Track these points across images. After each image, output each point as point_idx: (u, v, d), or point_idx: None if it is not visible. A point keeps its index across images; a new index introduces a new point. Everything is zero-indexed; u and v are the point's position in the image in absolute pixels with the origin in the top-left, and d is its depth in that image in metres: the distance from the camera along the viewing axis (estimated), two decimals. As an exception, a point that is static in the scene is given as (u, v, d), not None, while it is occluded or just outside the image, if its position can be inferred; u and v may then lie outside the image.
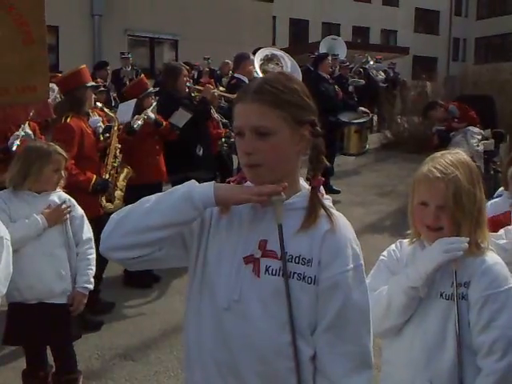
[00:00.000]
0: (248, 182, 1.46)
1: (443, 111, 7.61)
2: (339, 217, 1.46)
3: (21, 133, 4.00)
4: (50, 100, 4.67)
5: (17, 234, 2.77)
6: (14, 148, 3.92)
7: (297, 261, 1.39)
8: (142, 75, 6.58)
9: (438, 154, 1.82)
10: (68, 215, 3.04)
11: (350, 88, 11.24)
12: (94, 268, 3.09)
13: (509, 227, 2.23)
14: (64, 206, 3.03)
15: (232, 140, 6.11)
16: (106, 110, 5.05)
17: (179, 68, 5.66)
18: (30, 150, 3.09)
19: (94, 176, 4.27)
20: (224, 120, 6.39)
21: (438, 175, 1.72)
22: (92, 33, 15.69)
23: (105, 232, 1.44)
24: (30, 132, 4.13)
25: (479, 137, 7.29)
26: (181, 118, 5.21)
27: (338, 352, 1.38)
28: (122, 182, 4.73)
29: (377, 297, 1.76)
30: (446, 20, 33.22)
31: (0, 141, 4.17)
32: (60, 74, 5.76)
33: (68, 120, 4.21)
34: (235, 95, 1.76)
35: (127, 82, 10.08)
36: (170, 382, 3.56)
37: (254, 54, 6.60)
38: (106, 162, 4.58)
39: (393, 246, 1.90)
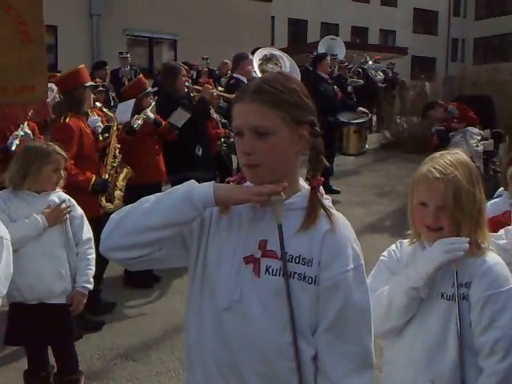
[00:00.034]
0: (247, 182, 1.46)
1: (442, 111, 7.61)
2: (339, 217, 1.46)
3: (20, 132, 4.00)
4: (48, 100, 4.68)
5: (17, 233, 2.77)
6: (14, 148, 3.92)
7: (297, 261, 1.39)
8: (141, 75, 6.58)
9: (438, 154, 1.81)
10: (68, 215, 3.04)
11: (349, 88, 11.24)
12: (93, 268, 3.09)
13: (509, 227, 2.23)
14: (64, 205, 3.03)
15: (231, 140, 6.12)
16: (105, 109, 5.04)
17: (178, 68, 5.65)
18: (29, 149, 3.09)
19: (94, 176, 4.26)
20: (223, 120, 6.39)
21: (438, 175, 1.71)
22: (91, 32, 15.68)
23: (104, 232, 1.43)
24: (29, 132, 4.13)
25: (478, 137, 7.29)
26: (180, 117, 5.21)
27: (339, 352, 1.38)
28: (121, 182, 4.73)
29: (377, 297, 1.75)
30: (445, 20, 33.22)
31: (-1, 140, 4.17)
32: (59, 74, 5.76)
33: (67, 120, 4.21)
34: (234, 95, 1.76)
35: (126, 82, 10.07)
36: (171, 382, 3.56)
37: (253, 53, 6.60)
38: (105, 161, 4.58)
39: (393, 247, 1.90)
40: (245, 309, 1.39)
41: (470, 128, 7.31)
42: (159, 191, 1.51)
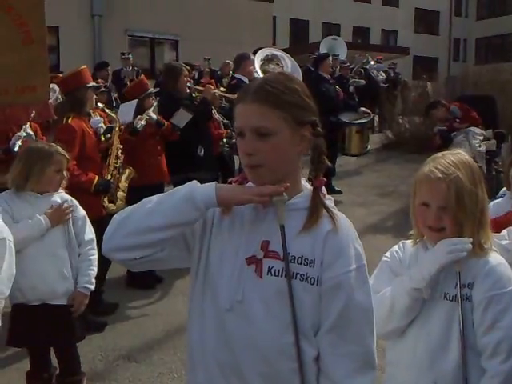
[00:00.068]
0: (249, 183, 1.46)
1: (445, 111, 7.60)
2: (341, 217, 1.45)
3: (22, 133, 4.00)
4: (51, 100, 4.69)
5: (20, 234, 2.77)
6: (16, 149, 3.92)
7: (299, 261, 1.39)
8: (142, 75, 6.58)
9: (440, 154, 1.81)
10: (70, 215, 3.04)
11: (351, 88, 11.23)
12: (95, 269, 3.09)
13: (511, 228, 2.22)
14: (66, 205, 3.03)
15: (233, 140, 6.10)
16: (107, 110, 5.04)
17: (179, 68, 5.65)
18: (31, 150, 3.09)
19: (96, 177, 4.27)
20: (225, 120, 6.38)
21: (440, 176, 1.71)
22: (92, 33, 15.68)
23: (107, 233, 1.44)
24: (32, 133, 4.13)
25: (481, 137, 7.28)
26: (182, 118, 5.21)
27: (341, 353, 1.38)
28: (123, 183, 4.73)
29: (380, 298, 1.75)
30: (446, 20, 33.19)
31: (2, 141, 4.17)
32: (61, 75, 5.76)
33: (69, 120, 4.21)
34: (236, 96, 1.75)
35: (128, 83, 10.07)
36: (173, 383, 3.56)
37: (255, 54, 6.59)
38: (107, 162, 4.58)
39: (395, 247, 1.90)
40: (247, 309, 1.39)
41: (472, 128, 7.30)
42: (161, 192, 1.51)
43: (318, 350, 1.40)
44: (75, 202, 3.11)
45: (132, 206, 1.46)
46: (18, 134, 4.01)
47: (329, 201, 1.48)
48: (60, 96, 5.78)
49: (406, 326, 1.78)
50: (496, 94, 9.44)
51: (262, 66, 6.30)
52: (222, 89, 7.15)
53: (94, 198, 4.26)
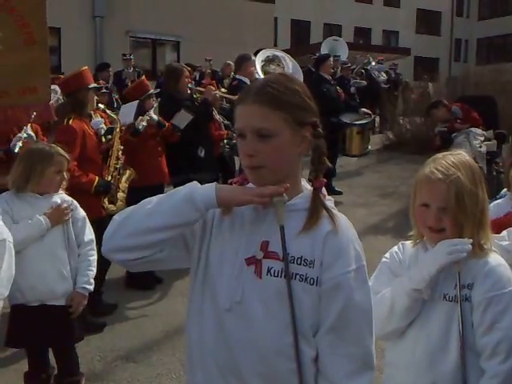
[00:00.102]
0: (250, 184, 1.46)
1: (445, 111, 7.60)
2: (341, 218, 1.45)
3: (23, 134, 4.00)
4: (52, 101, 4.69)
5: (20, 234, 2.77)
6: (17, 150, 3.92)
7: (299, 262, 1.39)
8: (143, 76, 6.58)
9: (440, 155, 1.81)
10: (70, 215, 3.04)
11: (352, 89, 11.24)
12: (94, 269, 3.09)
13: (511, 229, 2.22)
14: (65, 205, 3.03)
15: (234, 141, 6.10)
16: (108, 111, 5.05)
17: (181, 69, 5.65)
18: (32, 151, 3.09)
19: (97, 177, 4.27)
20: (226, 121, 6.38)
21: (440, 176, 1.71)
22: (94, 34, 15.71)
23: (107, 233, 1.44)
24: (33, 134, 4.13)
25: (482, 138, 7.28)
26: (182, 119, 5.21)
27: (340, 353, 1.38)
28: (124, 184, 4.73)
29: (379, 299, 1.75)
30: (448, 21, 33.19)
31: (2, 142, 4.17)
32: (62, 76, 5.77)
33: (70, 122, 4.22)
34: (237, 97, 1.76)
35: (129, 84, 10.08)
36: (172, 383, 3.56)
37: (256, 55, 6.59)
38: (108, 163, 4.58)
39: (395, 248, 1.89)
40: (246, 310, 1.39)
41: (473, 129, 7.30)
42: (161, 193, 1.51)
43: (317, 350, 1.40)
44: (75, 203, 3.12)
45: (132, 207, 1.46)
46: (19, 135, 4.02)
47: (329, 201, 1.48)
48: (61, 97, 5.79)
49: (405, 327, 1.78)
50: (497, 95, 9.45)
51: (262, 66, 6.31)
52: (222, 90, 7.16)
53: (94, 199, 4.26)
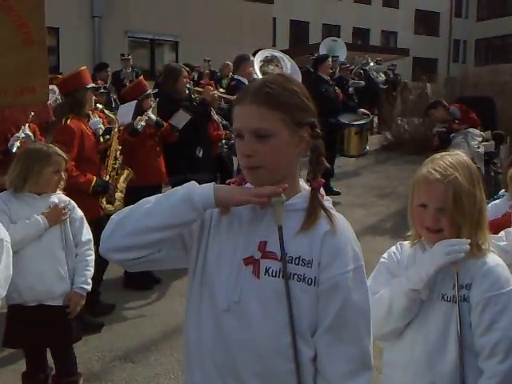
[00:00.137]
0: (248, 184, 1.46)
1: (444, 111, 7.61)
2: (339, 218, 1.45)
3: (21, 134, 4.00)
4: (50, 101, 4.69)
5: (18, 234, 2.77)
6: (15, 150, 3.92)
7: (297, 262, 1.39)
8: (141, 76, 6.58)
9: (438, 155, 1.81)
10: (68, 215, 3.03)
11: (350, 90, 11.23)
12: (92, 269, 3.09)
13: (509, 229, 2.22)
14: (62, 204, 3.03)
15: (232, 142, 6.11)
16: (106, 111, 5.05)
17: (179, 69, 5.65)
18: (29, 151, 3.09)
19: (95, 177, 4.27)
20: (224, 122, 6.38)
21: (438, 177, 1.71)
22: (92, 34, 15.70)
23: (105, 233, 1.44)
24: (30, 134, 4.13)
25: (480, 138, 7.29)
26: (181, 119, 5.21)
27: (338, 353, 1.38)
28: (122, 184, 4.73)
29: (377, 299, 1.75)
30: (447, 21, 33.22)
31: (0, 142, 4.17)
32: (60, 76, 5.77)
33: (68, 121, 4.22)
34: (235, 97, 1.75)
35: (127, 84, 10.06)
36: (170, 383, 3.56)
37: (254, 55, 6.59)
38: (106, 163, 4.58)
39: (393, 248, 1.89)
40: (244, 310, 1.39)
41: (471, 129, 7.31)
42: (159, 193, 1.51)
43: (315, 350, 1.40)
44: (73, 203, 3.12)
45: (130, 207, 1.46)
46: (17, 134, 4.01)
47: (327, 202, 1.48)
48: (59, 97, 5.78)
49: (403, 327, 1.78)
50: (495, 96, 9.47)
51: (261, 67, 6.31)
52: (221, 90, 7.16)
53: (92, 199, 4.26)
